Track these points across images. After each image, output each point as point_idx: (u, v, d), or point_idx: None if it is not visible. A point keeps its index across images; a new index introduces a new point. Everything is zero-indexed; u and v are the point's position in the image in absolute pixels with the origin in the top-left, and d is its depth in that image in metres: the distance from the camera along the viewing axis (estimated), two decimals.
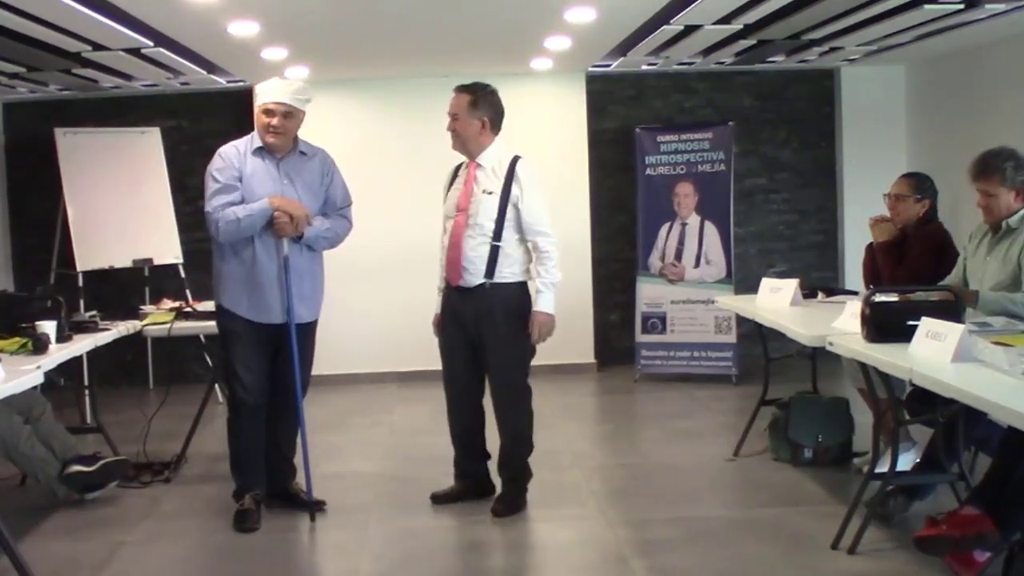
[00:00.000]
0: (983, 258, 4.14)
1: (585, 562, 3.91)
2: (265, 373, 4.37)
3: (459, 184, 4.40)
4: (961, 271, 4.29)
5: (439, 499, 4.56)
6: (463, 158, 4.43)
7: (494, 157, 4.34)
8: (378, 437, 5.98)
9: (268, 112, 4.21)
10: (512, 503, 4.41)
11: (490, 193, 4.28)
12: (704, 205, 7.42)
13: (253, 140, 4.32)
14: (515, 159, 4.32)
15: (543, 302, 4.28)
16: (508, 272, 4.30)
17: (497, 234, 4.26)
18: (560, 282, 4.32)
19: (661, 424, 6.16)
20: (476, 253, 4.27)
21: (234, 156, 4.27)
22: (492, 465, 4.58)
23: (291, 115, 4.24)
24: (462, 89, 4.36)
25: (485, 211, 4.26)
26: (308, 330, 4.47)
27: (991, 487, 3.44)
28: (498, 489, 4.51)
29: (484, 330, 4.32)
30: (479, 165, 4.35)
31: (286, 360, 4.36)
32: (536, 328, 4.28)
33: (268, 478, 4.49)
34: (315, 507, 4.44)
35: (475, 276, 4.28)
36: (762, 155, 8.10)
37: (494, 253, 4.26)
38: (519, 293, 4.33)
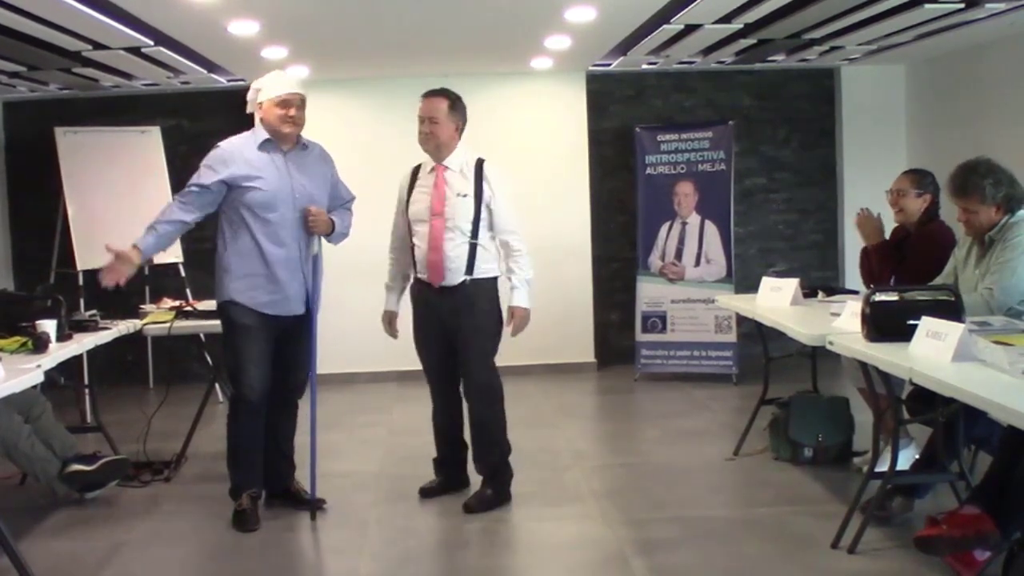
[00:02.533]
0: (973, 270, 4.15)
1: (585, 561, 3.91)
2: (270, 371, 4.36)
3: (425, 187, 4.46)
4: (952, 277, 4.29)
5: (428, 493, 4.65)
6: (417, 162, 4.53)
7: (460, 159, 4.45)
8: (377, 436, 5.98)
9: (285, 103, 4.23)
10: (488, 500, 4.45)
11: (464, 196, 4.40)
12: (704, 204, 7.42)
13: (257, 135, 4.32)
14: (480, 161, 4.45)
15: (519, 297, 4.45)
16: (485, 268, 4.44)
17: (475, 233, 4.40)
18: (532, 278, 4.49)
19: (661, 423, 6.16)
20: (456, 253, 4.39)
21: (236, 152, 4.26)
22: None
23: (304, 104, 4.30)
24: (438, 94, 4.44)
25: (462, 213, 4.39)
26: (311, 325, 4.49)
27: (991, 486, 3.44)
28: (472, 483, 4.61)
29: (463, 324, 4.43)
30: (446, 168, 4.43)
31: (292, 355, 4.38)
32: (515, 322, 4.45)
33: (268, 476, 4.50)
34: (315, 506, 4.44)
35: (456, 274, 4.40)
36: (762, 154, 8.11)
37: (473, 251, 4.40)
38: (495, 287, 4.50)
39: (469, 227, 4.38)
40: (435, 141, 4.40)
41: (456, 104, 4.42)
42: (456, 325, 4.44)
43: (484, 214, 4.40)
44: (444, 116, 4.37)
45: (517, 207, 4.52)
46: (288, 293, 4.30)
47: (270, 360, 4.35)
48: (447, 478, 4.67)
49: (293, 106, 4.24)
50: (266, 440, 4.45)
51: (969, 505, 3.42)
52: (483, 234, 4.41)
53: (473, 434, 4.56)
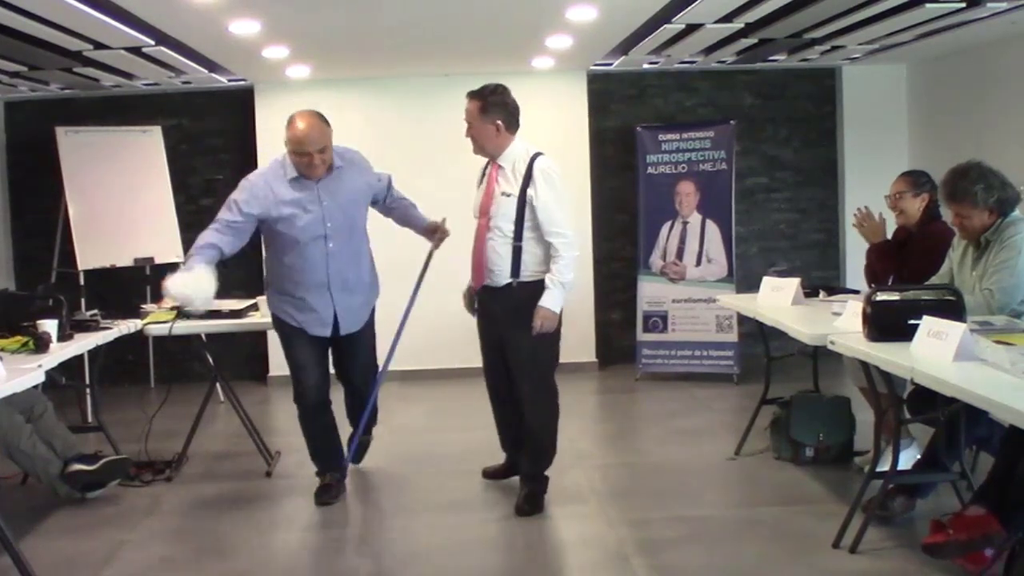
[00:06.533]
0: (970, 271, 4.15)
1: (586, 561, 3.91)
2: (325, 369, 4.60)
3: (483, 186, 4.44)
4: (948, 278, 4.29)
5: (489, 475, 4.75)
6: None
7: (513, 156, 4.35)
8: (378, 436, 5.96)
9: (303, 154, 4.27)
10: (535, 502, 4.41)
11: (508, 195, 4.30)
12: (705, 204, 7.41)
13: (287, 168, 4.36)
14: (534, 157, 4.32)
15: (547, 298, 4.25)
16: (533, 271, 4.32)
17: (518, 235, 4.29)
18: (570, 282, 4.30)
19: (662, 423, 6.16)
20: (499, 255, 4.31)
21: (267, 189, 4.33)
22: None
23: (325, 148, 4.33)
24: (472, 95, 4.37)
25: (504, 213, 4.30)
26: (368, 330, 4.74)
27: (994, 486, 3.44)
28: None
29: (513, 328, 4.34)
30: (500, 166, 4.37)
31: (348, 365, 4.72)
32: (537, 320, 4.26)
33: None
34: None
35: (501, 277, 4.33)
36: (763, 154, 8.10)
37: (517, 253, 4.30)
38: (543, 291, 4.31)
39: (511, 227, 4.28)
40: (475, 144, 4.37)
41: (489, 103, 4.30)
42: (506, 328, 4.37)
43: (528, 214, 4.26)
44: (477, 118, 4.32)
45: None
46: (320, 315, 4.47)
47: (325, 359, 4.61)
48: (510, 462, 4.74)
49: (312, 155, 4.28)
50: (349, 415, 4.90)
51: (974, 506, 3.41)
52: (528, 236, 4.28)
53: (525, 438, 4.52)
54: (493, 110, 4.31)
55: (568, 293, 4.31)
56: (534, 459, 4.48)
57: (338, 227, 4.41)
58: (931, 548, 3.42)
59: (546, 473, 4.50)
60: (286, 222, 4.34)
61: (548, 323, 4.28)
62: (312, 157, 4.27)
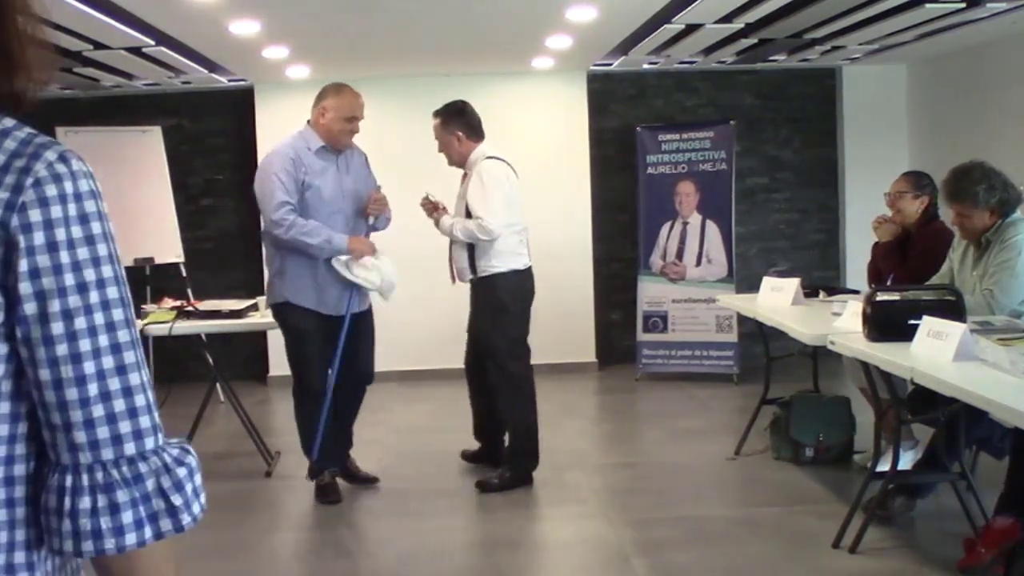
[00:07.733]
0: (970, 271, 4.15)
1: (586, 561, 3.91)
2: (326, 363, 4.58)
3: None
4: (948, 277, 4.29)
5: (467, 457, 5.05)
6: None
7: (472, 162, 4.66)
8: (377, 436, 5.97)
9: (352, 119, 4.44)
10: (496, 484, 4.65)
11: (461, 198, 4.66)
12: (705, 204, 7.41)
13: (309, 140, 4.45)
14: (485, 160, 4.61)
15: (446, 222, 4.61)
16: (484, 265, 4.60)
17: None
18: (459, 233, 4.54)
19: (662, 423, 6.16)
20: (458, 254, 4.66)
21: (298, 157, 4.40)
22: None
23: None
24: (433, 114, 4.72)
25: (458, 215, 4.65)
26: (370, 315, 4.75)
27: (1015, 491, 3.43)
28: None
29: (477, 320, 4.71)
30: (466, 174, 4.69)
31: (355, 347, 4.58)
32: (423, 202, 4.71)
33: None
34: (370, 482, 4.77)
35: (465, 274, 4.67)
36: (763, 154, 8.10)
37: (471, 251, 4.60)
38: (500, 282, 4.60)
39: None
40: (447, 156, 4.73)
41: (447, 118, 4.67)
42: (474, 321, 4.76)
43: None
44: (440, 134, 4.70)
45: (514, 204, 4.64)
46: (336, 295, 4.49)
47: (328, 353, 4.54)
48: (485, 451, 5.00)
49: (358, 120, 4.48)
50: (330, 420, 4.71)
51: (999, 517, 3.40)
52: None
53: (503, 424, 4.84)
54: (451, 123, 4.65)
55: (458, 235, 4.55)
56: (509, 442, 4.76)
57: (352, 201, 4.55)
58: (968, 569, 3.40)
59: (526, 460, 4.71)
60: (315, 191, 4.41)
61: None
62: (357, 123, 4.46)
